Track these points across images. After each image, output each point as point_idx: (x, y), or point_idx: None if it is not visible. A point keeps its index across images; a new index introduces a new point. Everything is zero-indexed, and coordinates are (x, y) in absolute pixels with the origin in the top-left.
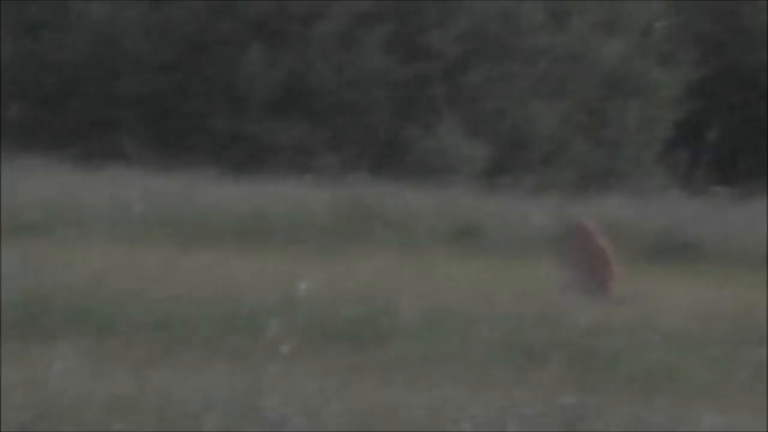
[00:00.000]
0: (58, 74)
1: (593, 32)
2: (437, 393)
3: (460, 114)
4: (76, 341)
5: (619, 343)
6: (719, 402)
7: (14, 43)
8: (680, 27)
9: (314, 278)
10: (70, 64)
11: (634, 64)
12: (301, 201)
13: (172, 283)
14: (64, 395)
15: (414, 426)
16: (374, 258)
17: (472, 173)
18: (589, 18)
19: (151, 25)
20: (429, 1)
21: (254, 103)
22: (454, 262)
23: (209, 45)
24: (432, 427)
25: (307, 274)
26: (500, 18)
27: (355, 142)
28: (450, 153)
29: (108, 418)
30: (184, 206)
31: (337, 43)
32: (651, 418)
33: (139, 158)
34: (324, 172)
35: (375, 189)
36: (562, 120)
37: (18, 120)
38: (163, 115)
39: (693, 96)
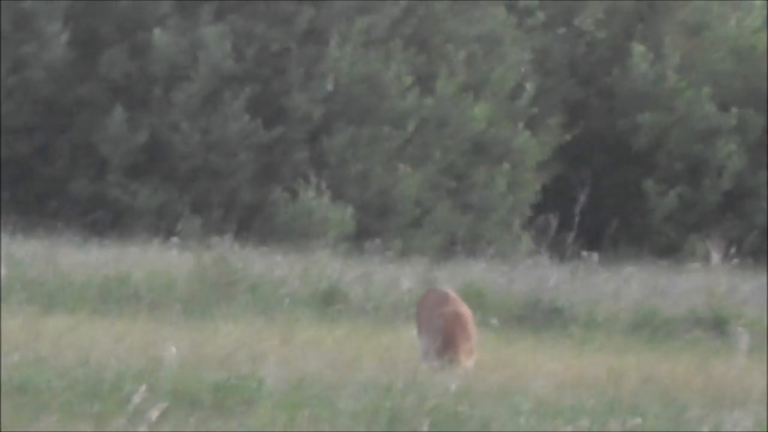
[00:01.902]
0: None
1: (460, 95)
2: None
3: (326, 177)
4: None
5: (489, 409)
6: None
7: None
8: (547, 90)
9: (179, 343)
10: None
11: (501, 128)
12: (165, 265)
13: (35, 347)
14: None
15: None
16: (239, 322)
17: (337, 237)
18: (456, 80)
19: (12, 86)
20: (292, 63)
21: (117, 166)
22: (320, 327)
23: (71, 107)
24: None
25: (171, 339)
26: (365, 80)
27: (219, 206)
28: (315, 217)
29: None
30: (47, 270)
31: (200, 105)
32: None
33: (1, 221)
34: (188, 235)
35: (240, 252)
36: (429, 184)
37: None
38: (24, 178)
39: (560, 160)
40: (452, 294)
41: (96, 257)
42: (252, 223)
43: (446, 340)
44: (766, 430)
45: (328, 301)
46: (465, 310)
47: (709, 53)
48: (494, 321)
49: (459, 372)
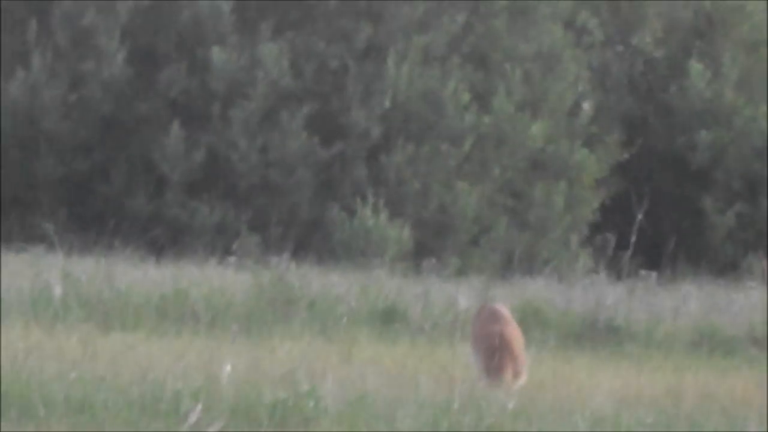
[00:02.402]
0: None
1: (518, 112)
2: None
3: (384, 195)
4: None
5: (547, 427)
6: None
7: None
8: (605, 107)
9: (237, 361)
10: None
11: (559, 145)
12: (223, 282)
13: (93, 365)
14: None
15: None
16: (297, 341)
17: (395, 255)
18: (514, 98)
19: (71, 104)
20: (351, 80)
21: (175, 183)
22: (378, 346)
23: (129, 125)
24: None
25: (229, 357)
26: (423, 97)
27: (277, 224)
28: (373, 235)
29: None
30: (104, 288)
31: (258, 122)
32: None
33: (59, 239)
34: (246, 253)
35: (298, 271)
36: (487, 202)
37: None
38: (82, 197)
39: (618, 178)
40: (503, 311)
41: (153, 275)
42: (310, 241)
43: (491, 361)
44: None
45: (387, 320)
46: (511, 330)
47: (767, 70)
48: (552, 339)
49: (507, 392)
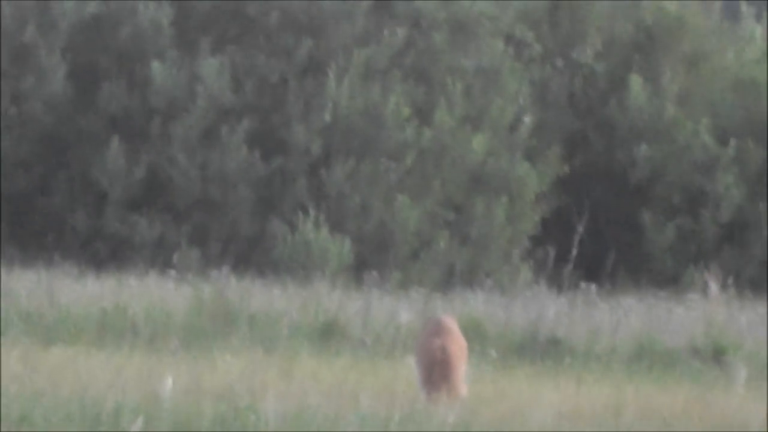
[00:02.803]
0: None
1: (459, 127)
2: None
3: (324, 210)
4: None
5: None
6: None
7: None
8: (545, 122)
9: (177, 375)
10: None
11: (500, 160)
12: (163, 297)
13: (33, 380)
14: None
15: None
16: (238, 355)
17: (336, 269)
18: (455, 112)
19: (11, 120)
20: (291, 95)
21: (115, 199)
22: (319, 360)
23: (69, 141)
24: None
25: (170, 372)
26: (364, 112)
27: (217, 238)
28: (314, 249)
29: None
30: (45, 302)
31: (198, 138)
32: None
33: None
34: (186, 267)
35: (238, 285)
36: (428, 216)
37: None
38: (23, 212)
39: (559, 192)
40: (448, 324)
41: (94, 290)
42: (250, 255)
43: (430, 375)
44: None
45: (327, 334)
46: (452, 343)
47: (708, 85)
48: (493, 352)
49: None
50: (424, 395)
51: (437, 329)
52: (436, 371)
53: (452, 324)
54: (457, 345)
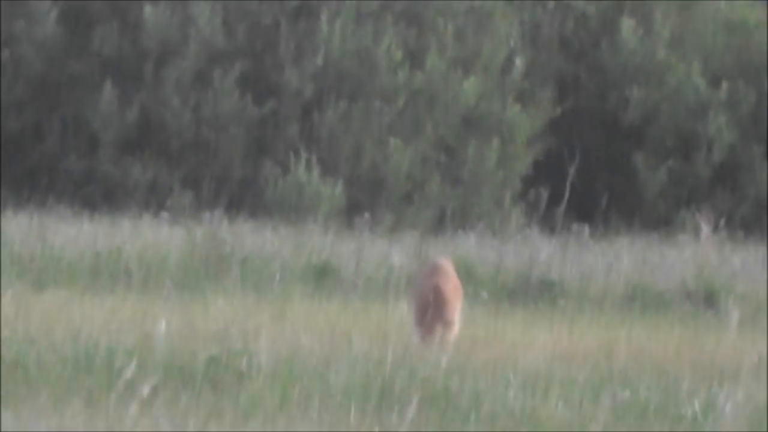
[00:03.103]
0: None
1: (450, 70)
2: None
3: (317, 152)
4: None
5: (480, 384)
6: None
7: None
8: (537, 65)
9: (171, 318)
10: None
11: (492, 103)
12: (157, 240)
13: (26, 323)
14: None
15: None
16: (231, 298)
17: (329, 212)
18: (447, 55)
19: (3, 64)
20: (284, 38)
21: (108, 141)
22: (311, 303)
23: (62, 84)
24: None
25: (163, 314)
26: (356, 55)
27: (210, 181)
28: (306, 192)
29: None
30: (38, 246)
31: (191, 81)
32: None
33: None
34: (179, 210)
35: (231, 228)
36: (420, 159)
37: None
38: (16, 155)
39: (551, 135)
40: (443, 266)
41: (87, 233)
42: (243, 198)
43: (423, 316)
44: (757, 403)
45: (320, 277)
46: (445, 283)
47: (700, 27)
48: (485, 295)
49: (439, 348)
50: (417, 337)
51: (434, 271)
52: (429, 313)
53: (448, 266)
54: (452, 286)
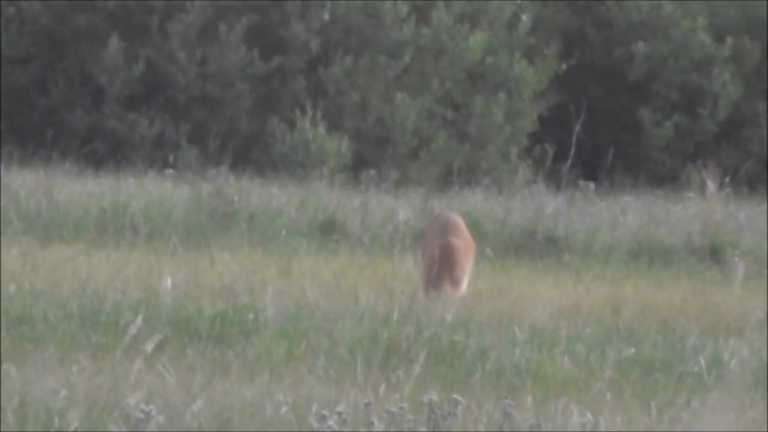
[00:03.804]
0: None
1: (456, 24)
2: (302, 390)
3: (323, 107)
4: None
5: (485, 339)
6: (586, 399)
7: None
8: (543, 19)
9: (176, 273)
10: None
11: (498, 57)
12: (162, 195)
13: (32, 278)
14: None
15: (278, 423)
16: (237, 253)
17: (335, 167)
18: (453, 10)
19: (8, 17)
20: None
21: (114, 96)
22: (318, 258)
23: (68, 38)
24: (296, 424)
25: (169, 270)
26: (362, 10)
27: (216, 137)
28: (312, 147)
29: None
30: (44, 201)
31: (197, 35)
32: (518, 416)
33: None
34: (185, 166)
35: (237, 183)
36: (426, 114)
37: None
38: (21, 110)
39: (557, 90)
40: (453, 221)
41: (93, 188)
42: (249, 153)
43: (431, 272)
44: (762, 358)
45: (326, 232)
46: (455, 240)
47: None
48: (491, 251)
49: (446, 300)
50: (423, 292)
51: (444, 227)
52: (436, 269)
53: (458, 221)
54: (462, 242)
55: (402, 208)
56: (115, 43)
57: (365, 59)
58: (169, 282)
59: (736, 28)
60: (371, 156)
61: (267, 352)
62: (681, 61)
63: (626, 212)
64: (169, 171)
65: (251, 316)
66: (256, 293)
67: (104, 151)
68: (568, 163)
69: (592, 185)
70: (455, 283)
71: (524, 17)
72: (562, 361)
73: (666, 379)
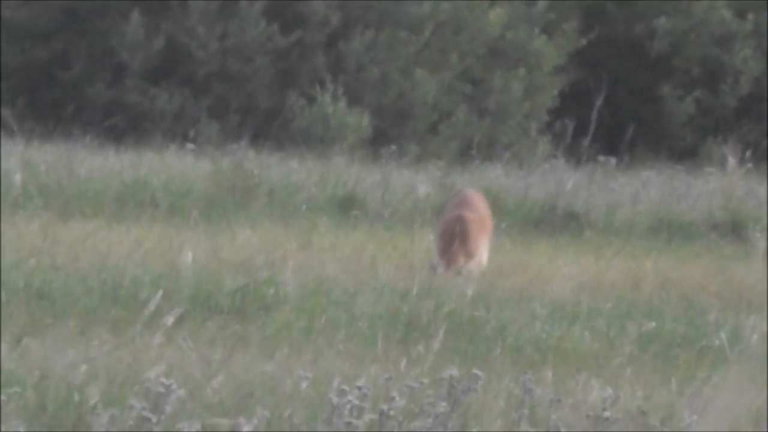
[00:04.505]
0: None
1: (476, 0)
2: (321, 364)
3: (343, 82)
4: None
5: (506, 314)
6: (606, 374)
7: None
8: None
9: (196, 248)
10: None
11: (518, 32)
12: (183, 170)
13: (52, 253)
14: None
15: (298, 398)
16: (257, 228)
17: (354, 142)
18: None
19: None
20: None
21: (134, 70)
22: (337, 233)
23: (89, 13)
24: (316, 399)
25: (189, 244)
26: None
27: (236, 111)
28: (332, 122)
29: None
30: (64, 175)
31: (217, 10)
32: (538, 390)
33: (19, 128)
34: (205, 140)
35: (257, 158)
36: (446, 89)
37: None
38: (42, 85)
39: (577, 65)
40: (471, 197)
41: (113, 163)
42: (269, 128)
43: (447, 245)
44: None
45: (346, 207)
46: (469, 214)
47: None
48: (511, 226)
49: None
50: (439, 266)
51: (462, 202)
52: (452, 243)
53: (476, 197)
54: (477, 217)
55: (422, 182)
56: (136, 18)
57: (385, 34)
58: (189, 256)
59: (757, 4)
60: (391, 131)
61: (287, 327)
62: (702, 36)
63: (647, 187)
64: (190, 146)
65: (271, 290)
66: (276, 268)
67: (125, 126)
68: (589, 138)
69: (612, 160)
70: (469, 255)
71: None
72: (582, 336)
73: (686, 354)
